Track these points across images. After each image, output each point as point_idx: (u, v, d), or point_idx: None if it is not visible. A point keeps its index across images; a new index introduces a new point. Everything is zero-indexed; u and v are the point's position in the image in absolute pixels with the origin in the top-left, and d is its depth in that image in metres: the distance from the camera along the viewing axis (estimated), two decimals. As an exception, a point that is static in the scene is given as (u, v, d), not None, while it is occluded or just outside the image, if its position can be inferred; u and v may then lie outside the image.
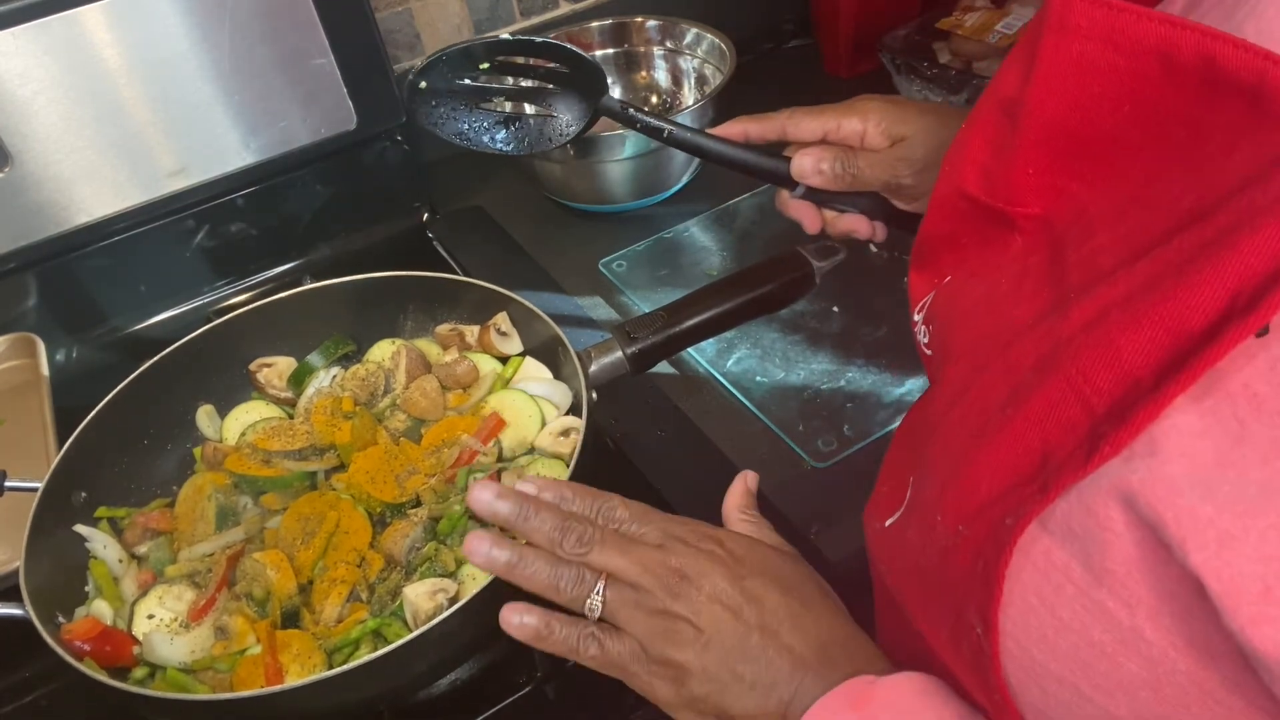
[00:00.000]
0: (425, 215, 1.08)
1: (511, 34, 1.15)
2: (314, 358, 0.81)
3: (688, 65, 1.12)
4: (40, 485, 0.66)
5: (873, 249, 0.73)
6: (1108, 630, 0.32)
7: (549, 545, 0.49)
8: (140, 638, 0.63)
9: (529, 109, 0.76)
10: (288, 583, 0.65)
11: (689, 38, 1.10)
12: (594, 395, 0.70)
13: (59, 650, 0.57)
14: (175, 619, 0.65)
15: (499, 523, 0.50)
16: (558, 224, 1.06)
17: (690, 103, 1.11)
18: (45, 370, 0.84)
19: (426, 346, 0.82)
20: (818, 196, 0.70)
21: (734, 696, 0.45)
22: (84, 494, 0.70)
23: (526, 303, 0.76)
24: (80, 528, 0.68)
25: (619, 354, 0.71)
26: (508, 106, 0.75)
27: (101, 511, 0.71)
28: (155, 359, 0.75)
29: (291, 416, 0.79)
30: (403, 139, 1.01)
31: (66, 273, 0.91)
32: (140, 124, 0.87)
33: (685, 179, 1.05)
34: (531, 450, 0.72)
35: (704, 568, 0.47)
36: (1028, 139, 0.38)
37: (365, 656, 0.55)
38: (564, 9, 1.17)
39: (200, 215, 0.95)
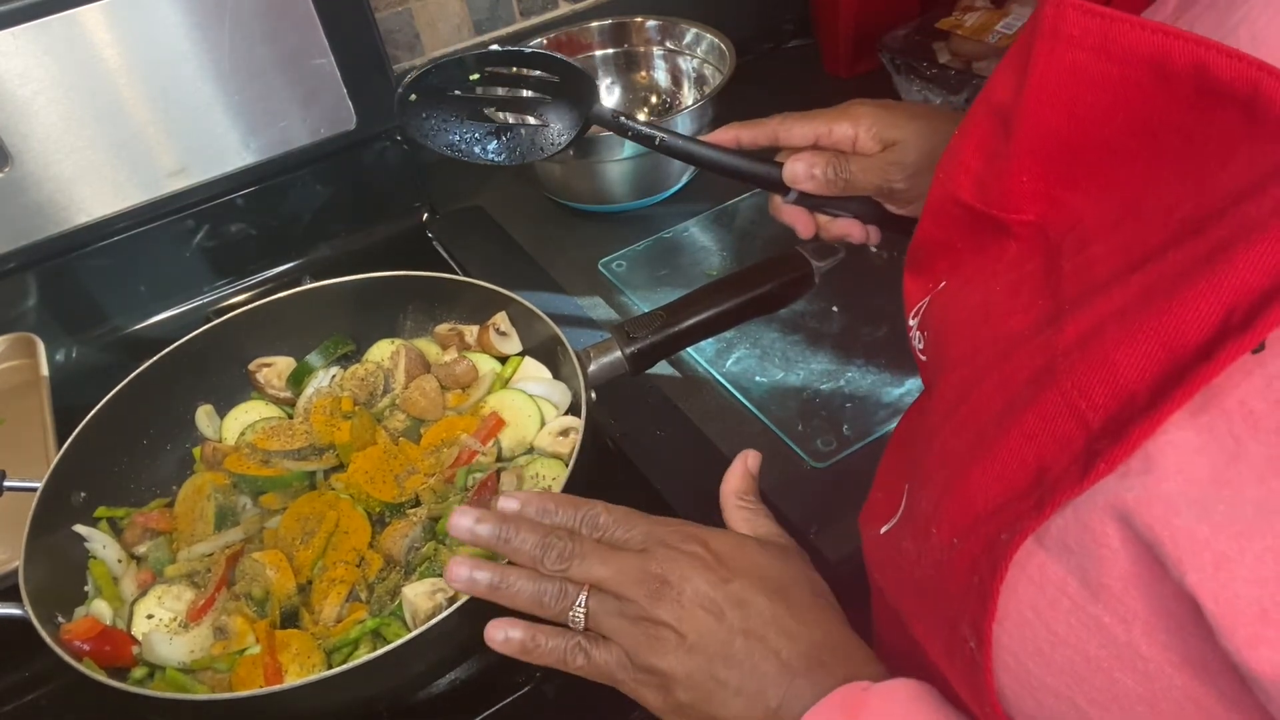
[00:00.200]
0: (425, 215, 1.08)
1: (511, 34, 1.15)
2: (313, 358, 0.81)
3: (687, 65, 1.12)
4: (40, 485, 0.66)
5: (873, 249, 0.73)
6: (1103, 645, 0.31)
7: (532, 564, 0.49)
8: (140, 638, 0.63)
9: (520, 119, 0.76)
10: (287, 582, 0.65)
11: (689, 38, 1.10)
12: (593, 395, 0.70)
13: (58, 650, 0.57)
14: (174, 619, 0.65)
15: (481, 546, 0.51)
16: (558, 224, 1.06)
17: (690, 103, 1.11)
18: (45, 370, 0.84)
19: (426, 346, 0.82)
20: (810, 202, 0.70)
21: (719, 702, 0.45)
22: (83, 494, 0.70)
23: (526, 303, 0.77)
24: (80, 528, 0.68)
25: (618, 354, 0.71)
26: (499, 117, 0.75)
27: (101, 511, 0.71)
28: (155, 359, 0.75)
29: (291, 416, 0.79)
30: (402, 139, 1.01)
31: (66, 273, 0.91)
32: (140, 124, 0.87)
33: (685, 179, 1.05)
34: (531, 450, 0.72)
35: (686, 571, 0.47)
36: (1021, 147, 0.38)
37: (365, 656, 0.55)
38: (564, 9, 1.17)
39: (200, 215, 0.95)
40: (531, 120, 0.76)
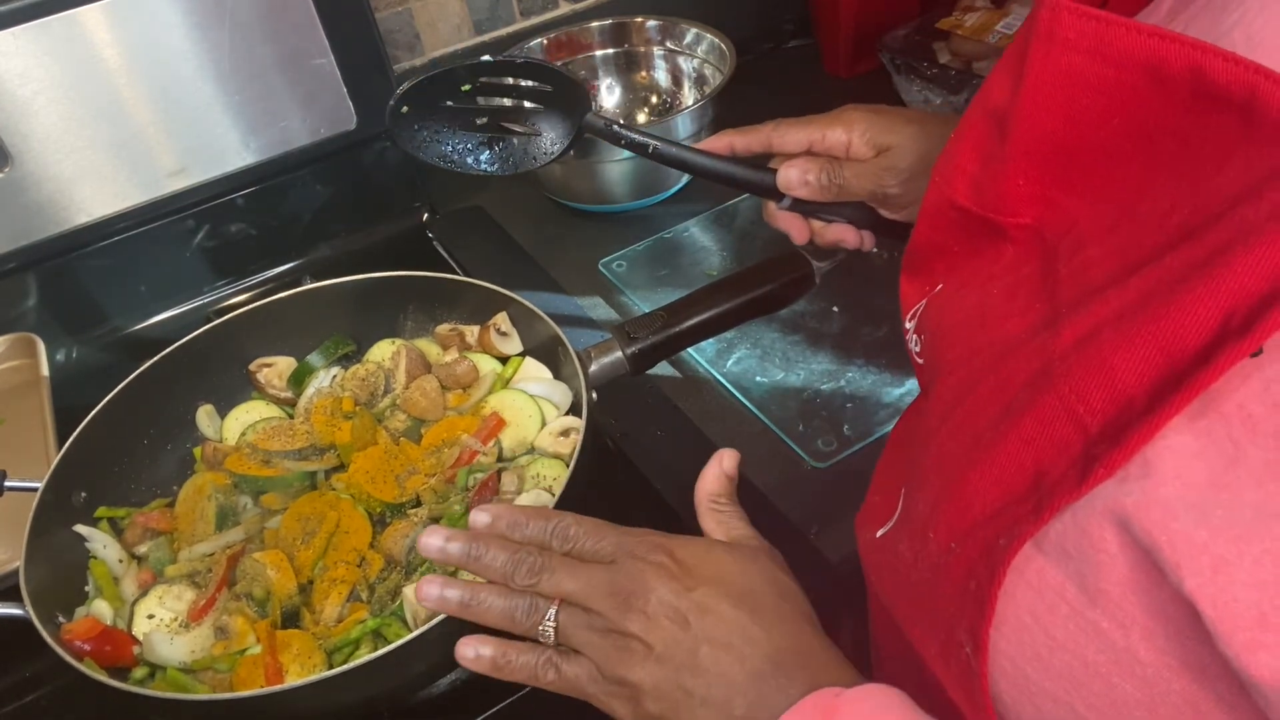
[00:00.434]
0: (425, 215, 1.08)
1: (511, 34, 1.15)
2: (314, 358, 0.81)
3: (687, 65, 1.12)
4: (40, 485, 0.66)
5: (873, 251, 0.73)
6: (1102, 651, 0.31)
7: (503, 579, 0.49)
8: (140, 638, 0.63)
9: (513, 128, 0.76)
10: (288, 583, 0.65)
11: (689, 38, 1.10)
12: (594, 395, 0.70)
13: (59, 650, 0.57)
14: (175, 619, 0.65)
15: (453, 564, 0.51)
16: (558, 224, 1.06)
17: (690, 103, 1.11)
18: (45, 370, 0.84)
19: (426, 346, 0.82)
20: (805, 207, 0.70)
21: (687, 712, 0.44)
22: (84, 494, 0.70)
23: (526, 303, 0.77)
24: (80, 528, 0.68)
25: (619, 354, 0.71)
26: (492, 127, 0.75)
27: (101, 511, 0.71)
28: (155, 359, 0.75)
29: (291, 416, 0.79)
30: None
31: (66, 273, 0.91)
32: (140, 124, 0.87)
33: (685, 179, 1.05)
34: (531, 450, 0.72)
35: (651, 582, 0.46)
36: (1017, 149, 0.37)
37: (365, 656, 0.55)
38: (564, 9, 1.17)
39: (200, 215, 0.95)
40: (524, 129, 0.75)
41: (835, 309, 0.88)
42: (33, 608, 0.59)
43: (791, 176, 0.68)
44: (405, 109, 0.71)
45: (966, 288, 0.43)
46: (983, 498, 0.35)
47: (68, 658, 0.57)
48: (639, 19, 1.12)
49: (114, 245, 0.92)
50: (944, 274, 0.45)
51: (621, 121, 0.73)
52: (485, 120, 0.74)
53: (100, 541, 0.68)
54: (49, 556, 0.64)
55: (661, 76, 1.14)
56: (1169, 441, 0.29)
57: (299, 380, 0.80)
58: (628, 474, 0.76)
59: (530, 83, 0.73)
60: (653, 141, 0.71)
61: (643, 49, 1.13)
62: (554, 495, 0.64)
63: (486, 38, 1.14)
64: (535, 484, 0.68)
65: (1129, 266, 0.31)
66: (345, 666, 0.54)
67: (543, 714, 0.64)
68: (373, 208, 1.05)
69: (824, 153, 0.67)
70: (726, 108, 0.97)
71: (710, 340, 0.84)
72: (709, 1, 1.15)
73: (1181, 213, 0.30)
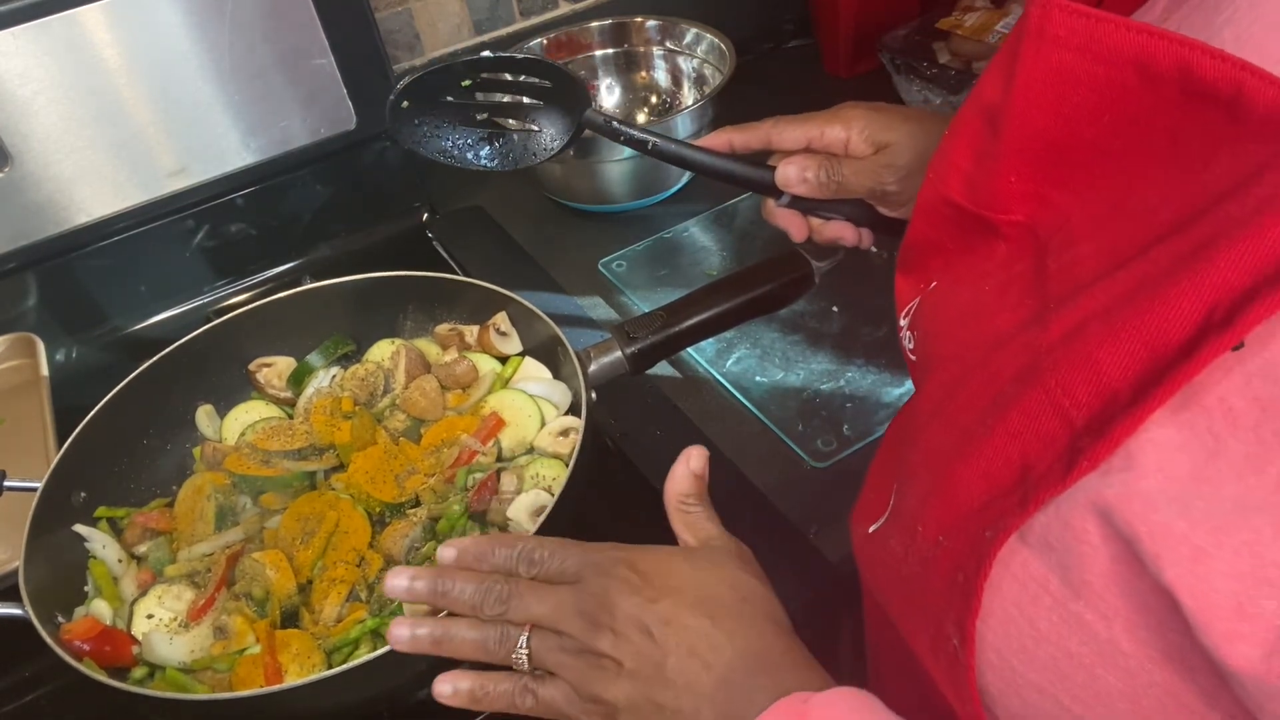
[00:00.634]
0: (425, 215, 1.08)
1: (511, 34, 1.15)
2: (314, 358, 0.81)
3: (687, 65, 1.12)
4: (40, 485, 0.66)
5: (872, 249, 0.73)
6: (1085, 642, 0.32)
7: (472, 611, 0.49)
8: (140, 637, 0.64)
9: (513, 124, 0.76)
10: (287, 582, 0.65)
11: (689, 38, 1.10)
12: (593, 395, 0.70)
13: (58, 650, 0.57)
14: (174, 619, 0.65)
15: (421, 602, 0.51)
16: (558, 224, 1.06)
17: (690, 102, 1.11)
18: (45, 370, 0.84)
19: (426, 346, 0.82)
20: (803, 205, 0.70)
21: None
22: (84, 494, 0.70)
23: (526, 303, 0.77)
24: (80, 528, 0.68)
25: (618, 354, 0.71)
26: (492, 123, 0.75)
27: (101, 511, 0.71)
28: (155, 359, 0.76)
29: (291, 416, 0.79)
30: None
31: (66, 273, 0.92)
32: (140, 124, 0.87)
33: (685, 179, 1.06)
34: (531, 450, 0.72)
35: (615, 598, 0.46)
36: (1009, 147, 0.38)
37: (365, 656, 0.55)
38: (564, 9, 1.17)
39: (200, 215, 0.95)
40: (524, 125, 0.76)
41: (835, 309, 0.88)
42: (32, 608, 0.59)
43: (790, 173, 0.68)
44: (405, 104, 0.71)
45: (960, 284, 0.43)
46: (970, 491, 0.35)
47: (67, 658, 0.57)
48: (639, 19, 1.12)
49: (114, 245, 0.92)
50: (938, 271, 0.45)
51: (621, 118, 0.73)
52: (485, 116, 0.74)
53: (100, 541, 0.68)
54: (48, 556, 0.64)
55: (661, 76, 1.14)
56: (1151, 434, 0.29)
57: (298, 380, 0.80)
58: (627, 474, 0.76)
59: (530, 79, 0.73)
60: (652, 138, 0.71)
61: (642, 49, 1.13)
62: (553, 495, 0.64)
63: (486, 38, 1.14)
64: (535, 484, 0.68)
65: (1117, 262, 0.32)
66: (344, 666, 0.54)
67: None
68: (372, 208, 1.05)
69: (823, 150, 0.67)
70: (726, 108, 0.97)
71: (710, 340, 0.84)
72: (709, 1, 1.15)
73: (1170, 208, 0.30)
